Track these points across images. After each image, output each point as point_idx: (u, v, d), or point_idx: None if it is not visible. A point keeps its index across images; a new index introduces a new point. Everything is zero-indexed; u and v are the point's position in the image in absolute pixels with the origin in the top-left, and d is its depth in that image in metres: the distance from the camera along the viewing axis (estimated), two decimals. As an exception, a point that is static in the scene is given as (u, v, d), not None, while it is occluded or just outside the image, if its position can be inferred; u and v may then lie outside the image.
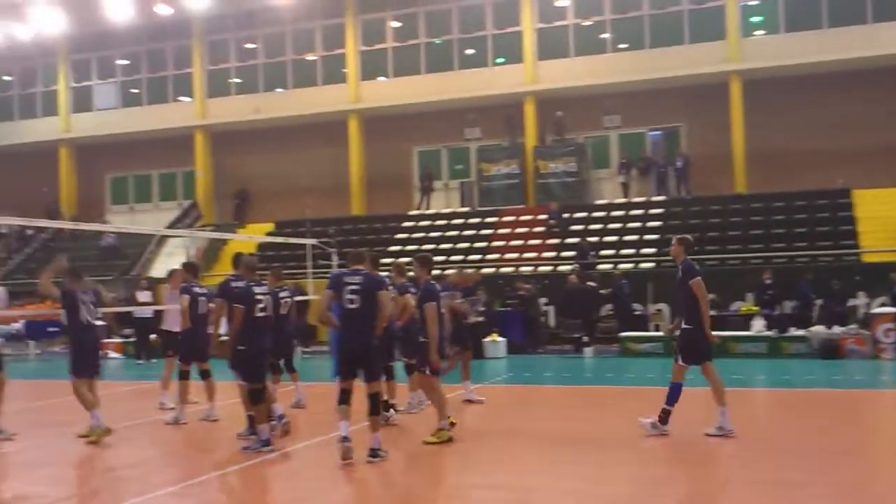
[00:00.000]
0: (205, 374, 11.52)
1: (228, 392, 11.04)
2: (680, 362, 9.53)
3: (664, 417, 9.49)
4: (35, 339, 24.22)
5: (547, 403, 13.35)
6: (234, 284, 9.67)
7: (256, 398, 9.31)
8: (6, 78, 36.26)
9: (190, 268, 11.98)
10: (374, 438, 8.59)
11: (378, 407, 8.77)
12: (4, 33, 32.52)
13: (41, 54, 34.50)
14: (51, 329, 23.86)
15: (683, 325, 9.55)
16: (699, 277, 9.38)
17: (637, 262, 23.68)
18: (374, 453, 8.51)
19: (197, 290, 11.53)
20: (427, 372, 9.68)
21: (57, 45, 33.94)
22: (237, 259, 10.31)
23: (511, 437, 10.17)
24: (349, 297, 8.62)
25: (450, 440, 9.39)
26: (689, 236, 10.00)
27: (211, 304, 11.75)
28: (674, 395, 9.47)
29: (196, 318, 11.35)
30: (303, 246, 19.29)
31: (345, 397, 8.63)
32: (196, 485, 8.09)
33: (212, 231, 28.45)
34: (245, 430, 9.90)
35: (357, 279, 8.68)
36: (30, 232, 32.57)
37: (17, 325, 23.63)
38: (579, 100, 28.41)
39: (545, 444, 9.66)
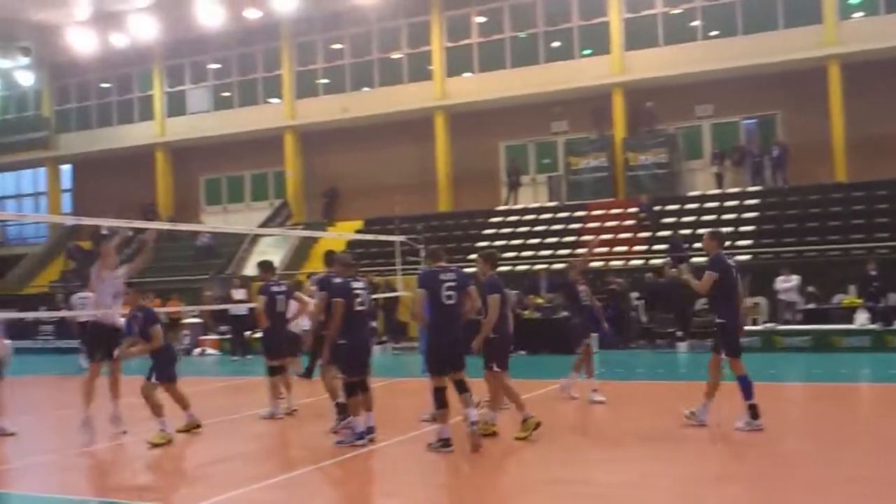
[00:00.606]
0: (281, 370, 11.65)
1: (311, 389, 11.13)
2: (724, 356, 9.59)
3: (754, 412, 9.39)
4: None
5: (639, 399, 13.08)
6: (334, 280, 9.77)
7: (353, 391, 9.38)
8: (105, 85, 37.45)
9: (266, 266, 12.02)
10: (470, 412, 8.78)
11: (466, 385, 8.91)
12: (103, 42, 33.53)
13: (137, 61, 35.50)
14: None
15: (717, 320, 9.63)
16: (716, 273, 9.45)
17: (732, 255, 22.97)
18: (475, 424, 8.74)
19: (274, 288, 11.64)
20: (494, 368, 9.59)
21: (152, 52, 34.89)
22: (329, 256, 10.47)
23: (602, 433, 9.99)
24: (447, 293, 8.84)
25: (537, 426, 9.29)
26: (721, 230, 10.18)
27: (291, 301, 11.94)
28: (747, 389, 9.43)
29: (275, 315, 11.48)
30: (391, 243, 19.35)
31: (443, 398, 8.80)
32: (292, 478, 8.17)
33: (302, 229, 28.88)
34: (336, 424, 9.98)
35: (452, 276, 8.96)
36: (129, 233, 33.54)
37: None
38: (669, 90, 27.83)
39: (636, 440, 9.45)
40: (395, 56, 32.02)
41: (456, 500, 7.44)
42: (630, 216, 26.47)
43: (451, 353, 8.88)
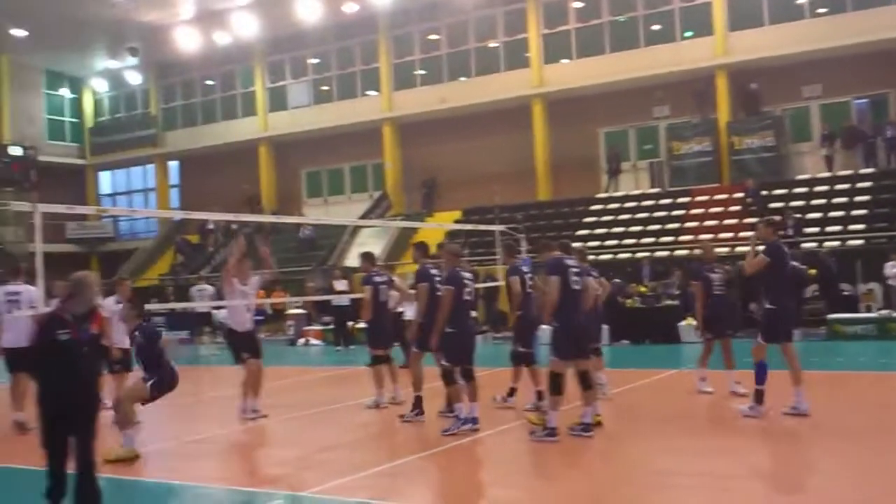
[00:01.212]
0: (385, 360, 11.72)
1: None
2: (760, 341, 9.61)
3: (759, 398, 9.52)
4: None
5: (747, 389, 12.69)
6: (433, 270, 10.04)
7: (453, 379, 9.46)
8: (209, 82, 38.48)
9: (368, 257, 12.01)
10: (585, 413, 8.86)
11: (590, 380, 9.01)
12: (206, 40, 34.42)
13: (239, 58, 36.34)
14: (257, 318, 25.10)
15: (767, 306, 9.67)
16: (769, 258, 9.46)
17: (844, 240, 22.21)
18: (586, 427, 8.79)
19: (377, 278, 11.65)
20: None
21: (253, 49, 35.64)
22: (421, 246, 10.75)
23: (711, 424, 9.77)
24: (574, 279, 9.00)
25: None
26: (776, 218, 10.02)
27: (392, 292, 11.99)
28: (760, 375, 9.55)
29: (378, 305, 11.52)
30: (490, 233, 19.30)
31: (560, 384, 8.80)
32: (396, 467, 8.23)
33: (401, 220, 29.10)
34: (408, 414, 10.33)
35: (574, 262, 9.23)
36: (234, 227, 34.44)
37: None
38: (775, 70, 26.92)
39: (744, 431, 9.20)
40: (492, 44, 31.90)
41: (563, 491, 7.35)
42: (735, 202, 25.76)
43: (579, 339, 9.02)
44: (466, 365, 9.49)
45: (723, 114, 27.65)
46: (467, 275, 9.67)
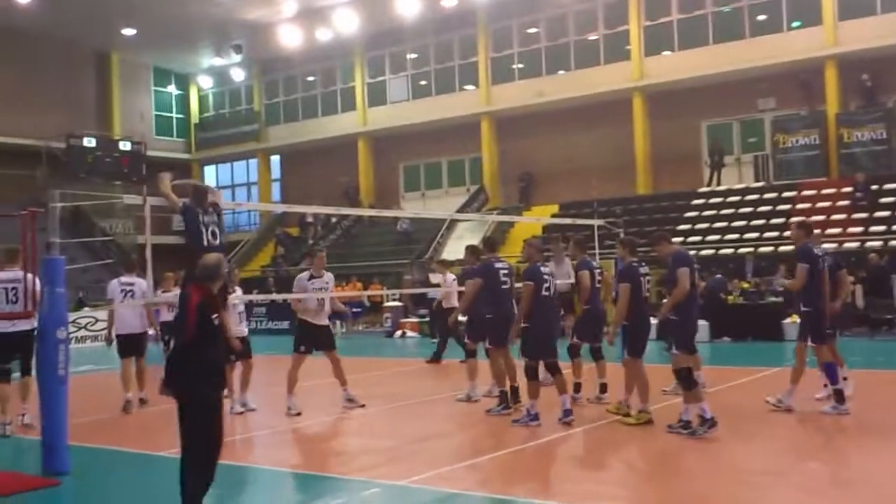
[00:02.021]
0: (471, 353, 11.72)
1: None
2: (811, 343, 9.71)
3: (839, 398, 9.51)
4: (340, 320, 25.86)
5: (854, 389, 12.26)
6: (497, 265, 10.36)
7: (533, 374, 9.52)
8: (310, 78, 39.16)
9: (473, 250, 11.79)
10: (686, 410, 8.84)
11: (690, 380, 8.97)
12: (308, 37, 35.04)
13: (340, 54, 36.88)
14: (354, 310, 25.47)
15: (803, 308, 9.77)
16: (807, 264, 9.56)
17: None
18: (685, 425, 8.76)
19: (498, 265, 11.49)
20: (626, 355, 9.78)
21: (354, 45, 36.11)
22: (529, 242, 10.76)
23: (813, 424, 9.47)
24: (693, 276, 9.05)
25: (649, 422, 9.31)
26: (808, 220, 10.24)
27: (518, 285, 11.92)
28: (832, 374, 9.62)
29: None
30: (587, 227, 19.07)
31: (692, 377, 8.85)
32: (491, 459, 8.23)
33: (498, 214, 29.05)
34: (495, 409, 10.41)
35: (692, 257, 9.42)
36: (334, 220, 35.01)
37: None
38: (888, 60, 25.86)
39: (844, 430, 8.90)
40: (592, 37, 31.54)
41: (662, 489, 7.23)
42: (844, 196, 24.87)
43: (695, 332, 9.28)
44: (550, 359, 9.62)
45: (831, 105, 26.72)
46: (546, 270, 9.76)
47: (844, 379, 10.59)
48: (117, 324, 11.73)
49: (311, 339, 11.09)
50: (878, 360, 15.29)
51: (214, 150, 41.61)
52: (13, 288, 9.66)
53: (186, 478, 5.93)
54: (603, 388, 10.92)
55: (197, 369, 5.90)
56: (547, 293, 9.59)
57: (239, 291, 11.81)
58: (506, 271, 10.59)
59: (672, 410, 9.25)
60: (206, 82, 42.61)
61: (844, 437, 8.71)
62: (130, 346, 11.73)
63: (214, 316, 5.97)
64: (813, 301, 9.60)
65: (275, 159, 41.17)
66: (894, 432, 8.74)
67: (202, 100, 43.26)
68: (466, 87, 34.43)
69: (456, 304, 14.07)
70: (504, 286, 10.50)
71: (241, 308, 11.44)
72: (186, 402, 5.95)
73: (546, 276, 9.62)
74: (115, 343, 11.73)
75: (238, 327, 10.91)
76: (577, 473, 7.92)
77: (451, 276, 16.80)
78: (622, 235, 10.82)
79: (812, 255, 9.59)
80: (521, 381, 10.08)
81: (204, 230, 8.66)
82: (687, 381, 8.83)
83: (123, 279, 11.97)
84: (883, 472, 7.23)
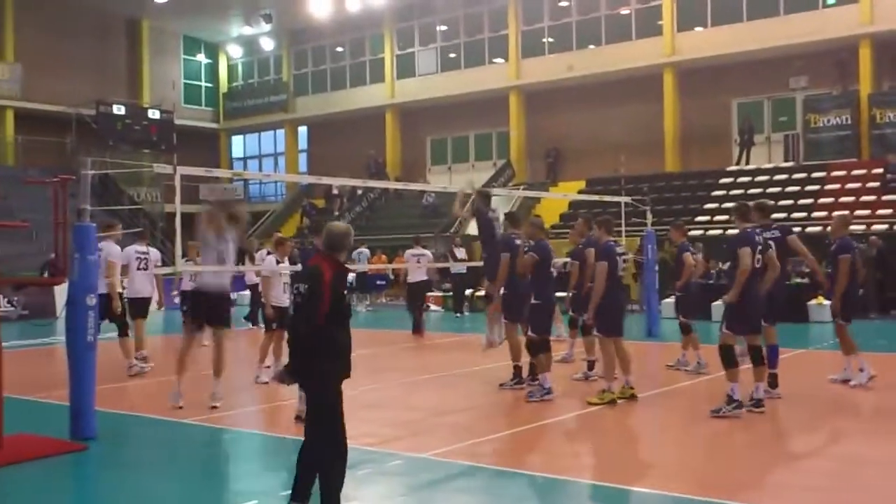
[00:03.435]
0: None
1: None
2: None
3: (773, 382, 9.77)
4: (365, 293, 26.00)
5: (877, 372, 12.19)
6: (517, 241, 10.43)
7: (540, 348, 9.82)
8: (339, 49, 39.10)
9: (513, 219, 11.36)
10: (759, 387, 8.98)
11: (762, 356, 9.15)
12: (338, 7, 34.94)
13: (369, 25, 36.78)
14: (379, 283, 25.57)
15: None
16: (848, 255, 10.27)
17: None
18: (757, 403, 8.87)
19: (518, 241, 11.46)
20: (594, 332, 10.08)
21: (383, 16, 35.99)
22: (513, 217, 11.09)
23: (833, 406, 9.45)
24: (758, 256, 8.96)
25: (632, 397, 9.58)
26: (847, 214, 10.54)
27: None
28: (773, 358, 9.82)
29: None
30: (615, 203, 19.01)
31: (733, 355, 8.90)
32: (515, 433, 8.28)
33: (524, 189, 28.98)
34: (509, 381, 10.63)
35: (759, 237, 9.18)
36: (360, 192, 35.04)
37: (350, 277, 25.49)
38: (925, 40, 25.49)
39: (870, 414, 8.89)
40: (624, 11, 31.22)
41: (687, 466, 7.25)
42: (874, 177, 24.59)
43: (759, 313, 9.11)
44: (616, 335, 9.79)
45: (865, 86, 26.35)
46: (620, 249, 9.97)
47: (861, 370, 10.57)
48: (129, 288, 12.53)
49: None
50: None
51: (242, 120, 41.72)
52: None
53: (327, 471, 5.46)
54: (591, 365, 11.28)
55: (329, 354, 5.41)
56: (554, 270, 10.04)
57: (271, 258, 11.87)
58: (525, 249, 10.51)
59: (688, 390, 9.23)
60: (235, 51, 42.64)
61: (871, 421, 8.67)
62: (143, 308, 12.67)
63: (345, 292, 5.54)
64: (749, 286, 9.01)
65: (302, 130, 41.23)
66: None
67: (231, 69, 43.34)
68: (496, 60, 34.24)
69: None
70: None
71: (287, 279, 11.23)
72: (318, 392, 5.49)
73: (619, 254, 9.87)
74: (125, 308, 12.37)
75: (281, 297, 11.03)
76: (598, 449, 7.95)
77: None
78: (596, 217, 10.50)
79: (752, 240, 9.06)
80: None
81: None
82: (727, 358, 8.82)
83: (138, 247, 12.68)
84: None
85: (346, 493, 6.33)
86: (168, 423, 8.97)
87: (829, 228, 22.00)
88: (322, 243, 5.64)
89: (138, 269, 12.52)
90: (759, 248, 8.94)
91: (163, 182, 34.63)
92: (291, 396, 10.34)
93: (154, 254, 12.83)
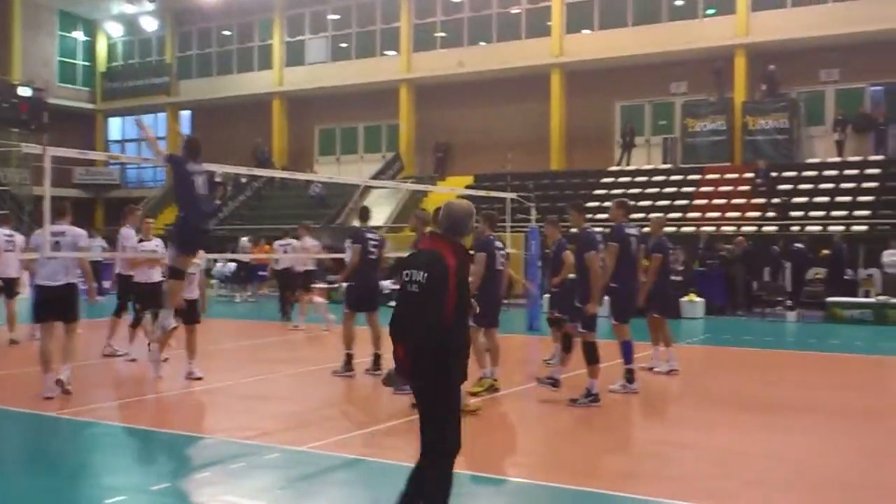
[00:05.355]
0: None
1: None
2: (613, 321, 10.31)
3: (630, 377, 10.00)
4: (246, 283, 25.58)
5: (745, 366, 12.82)
6: (368, 235, 10.92)
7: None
8: (226, 33, 38.30)
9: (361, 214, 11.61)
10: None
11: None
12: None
13: (258, 10, 36.19)
14: (261, 273, 25.19)
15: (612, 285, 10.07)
16: (660, 254, 11.34)
17: (848, 225, 22.26)
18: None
19: (369, 235, 11.32)
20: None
21: (273, 1, 35.47)
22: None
23: (705, 399, 9.87)
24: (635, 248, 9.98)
25: (493, 388, 9.82)
26: (627, 201, 11.19)
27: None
28: (627, 354, 10.08)
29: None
30: (501, 200, 19.30)
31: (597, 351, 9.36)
32: (396, 425, 8.35)
33: (413, 183, 29.06)
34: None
35: (636, 231, 10.20)
36: (244, 180, 34.45)
37: (231, 267, 25.09)
38: (794, 53, 26.76)
39: (740, 406, 9.34)
40: (514, 11, 31.66)
41: (558, 455, 7.46)
42: (745, 181, 25.74)
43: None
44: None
45: (739, 93, 27.52)
46: (499, 244, 10.07)
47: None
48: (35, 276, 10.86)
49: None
50: (766, 340, 15.94)
51: (121, 102, 40.36)
52: None
53: (437, 488, 4.78)
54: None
55: (451, 352, 4.69)
56: (500, 268, 10.00)
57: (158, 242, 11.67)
58: (375, 242, 11.08)
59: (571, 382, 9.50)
60: (115, 30, 41.21)
61: (737, 412, 9.09)
62: (10, 288, 12.57)
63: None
64: (621, 280, 9.85)
65: (185, 114, 40.22)
66: (793, 406, 9.19)
67: (111, 48, 41.89)
68: (387, 52, 34.21)
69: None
70: (371, 256, 10.96)
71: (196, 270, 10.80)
72: (437, 395, 4.72)
73: (497, 252, 9.99)
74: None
75: (189, 288, 10.50)
76: (480, 442, 8.09)
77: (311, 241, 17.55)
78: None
79: (624, 235, 9.88)
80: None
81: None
82: (592, 353, 9.19)
83: (3, 230, 12.52)
84: (764, 443, 7.60)
85: (221, 488, 6.28)
86: (33, 416, 8.67)
87: (702, 229, 23.24)
88: (441, 224, 4.88)
89: (6, 251, 12.36)
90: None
91: (31, 163, 33.13)
92: (161, 390, 10.15)
93: (73, 232, 10.36)
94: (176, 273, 9.53)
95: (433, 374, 4.64)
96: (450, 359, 4.64)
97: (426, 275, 4.58)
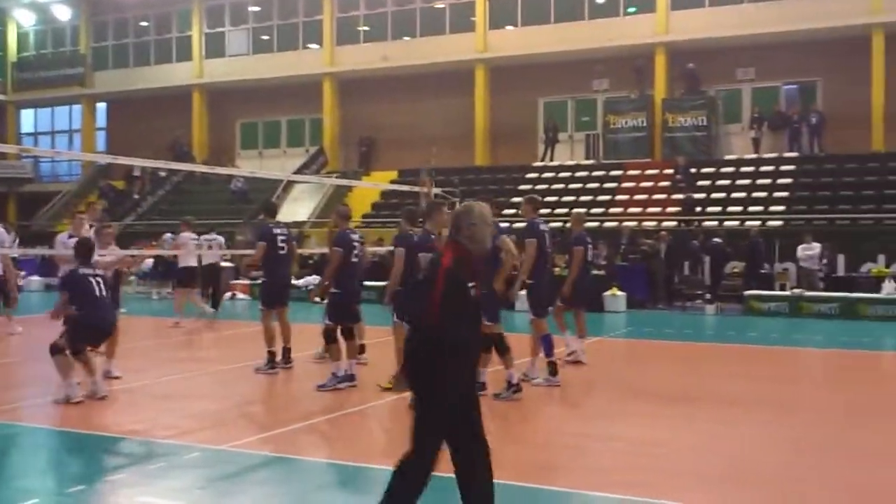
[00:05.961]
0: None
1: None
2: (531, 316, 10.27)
3: (553, 370, 10.04)
4: (166, 279, 25.06)
5: (666, 359, 13.04)
6: (276, 230, 10.95)
7: (334, 338, 9.83)
8: (143, 24, 37.41)
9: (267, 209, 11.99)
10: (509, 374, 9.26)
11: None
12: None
13: (176, 1, 35.43)
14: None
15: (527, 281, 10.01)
16: (581, 247, 11.32)
17: (765, 220, 22.90)
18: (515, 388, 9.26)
19: (277, 230, 11.29)
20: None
21: (192, -8, 34.81)
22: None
23: (627, 391, 10.00)
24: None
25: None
26: (537, 196, 11.29)
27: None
28: (548, 347, 10.15)
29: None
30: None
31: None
32: (315, 423, 8.25)
33: (337, 178, 28.85)
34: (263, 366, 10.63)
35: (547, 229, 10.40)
36: (163, 174, 33.74)
37: (149, 263, 24.55)
38: (712, 51, 27.35)
39: (661, 398, 9.48)
40: (439, 5, 31.64)
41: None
42: (665, 177, 26.23)
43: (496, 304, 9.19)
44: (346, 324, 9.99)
45: (659, 91, 28.01)
46: (355, 237, 10.09)
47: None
48: None
49: None
50: (686, 332, 16.25)
51: (34, 93, 39.14)
52: None
53: (406, 488, 4.78)
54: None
55: (443, 353, 4.65)
56: (356, 259, 10.00)
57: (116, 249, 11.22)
58: (283, 237, 11.06)
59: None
60: (26, 18, 39.88)
61: (658, 405, 9.22)
62: None
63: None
64: (537, 275, 9.95)
65: (101, 106, 39.19)
66: (716, 398, 9.36)
67: (21, 37, 40.55)
68: (310, 45, 33.86)
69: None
70: (281, 251, 10.91)
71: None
72: (428, 397, 4.73)
73: (356, 243, 10.00)
74: None
75: None
76: (394, 437, 8.04)
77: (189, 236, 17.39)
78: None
79: (539, 230, 10.01)
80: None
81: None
82: (502, 346, 9.20)
83: None
84: (678, 432, 7.72)
85: (139, 489, 6.11)
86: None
87: (623, 224, 23.62)
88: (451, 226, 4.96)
89: None
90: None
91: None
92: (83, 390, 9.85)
93: None
94: None
95: (423, 374, 4.71)
96: (439, 358, 4.65)
97: (423, 276, 5.02)
